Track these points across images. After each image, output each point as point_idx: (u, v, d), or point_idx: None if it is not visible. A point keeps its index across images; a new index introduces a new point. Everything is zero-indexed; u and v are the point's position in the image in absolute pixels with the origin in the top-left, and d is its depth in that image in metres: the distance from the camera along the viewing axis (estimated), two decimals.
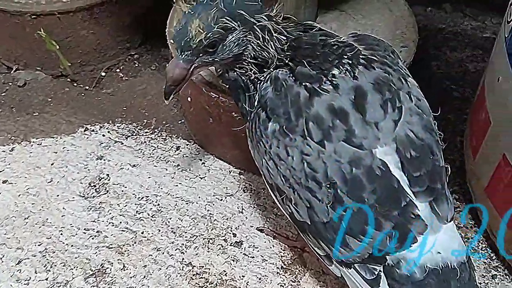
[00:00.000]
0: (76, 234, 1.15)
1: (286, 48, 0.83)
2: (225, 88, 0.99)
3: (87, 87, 1.48)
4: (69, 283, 1.08)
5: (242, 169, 1.27)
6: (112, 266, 1.11)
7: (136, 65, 1.55)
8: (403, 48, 1.18)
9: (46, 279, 1.08)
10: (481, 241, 1.15)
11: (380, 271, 0.80)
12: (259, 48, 0.82)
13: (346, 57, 0.82)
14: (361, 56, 0.82)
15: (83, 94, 1.46)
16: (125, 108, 1.42)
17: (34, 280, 1.08)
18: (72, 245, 1.13)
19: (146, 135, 1.36)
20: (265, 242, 1.15)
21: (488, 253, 1.13)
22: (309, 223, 0.83)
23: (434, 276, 0.78)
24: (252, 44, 0.81)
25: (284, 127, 0.79)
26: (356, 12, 1.26)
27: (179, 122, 1.38)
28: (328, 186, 0.77)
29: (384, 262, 0.79)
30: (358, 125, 0.77)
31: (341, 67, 0.80)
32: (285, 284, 1.08)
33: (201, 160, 1.31)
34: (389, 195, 0.76)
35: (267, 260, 1.12)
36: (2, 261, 1.10)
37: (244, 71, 0.86)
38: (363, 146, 0.76)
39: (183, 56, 0.80)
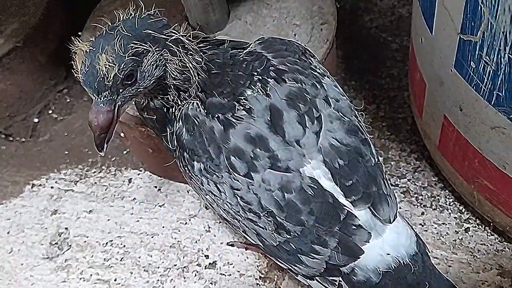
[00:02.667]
0: None
1: (199, 72, 0.77)
2: (149, 124, 0.94)
3: (23, 139, 1.42)
4: None
5: None
6: None
7: (68, 100, 1.48)
8: (323, 26, 1.12)
9: None
10: (447, 196, 1.14)
11: (340, 280, 0.79)
12: (180, 64, 0.74)
13: (256, 73, 0.77)
14: (271, 68, 0.77)
15: (21, 148, 1.40)
16: (66, 152, 1.37)
17: None
18: None
19: (94, 175, 1.31)
20: (238, 256, 1.13)
21: (457, 207, 1.13)
22: (263, 247, 0.82)
23: (388, 277, 0.77)
24: (170, 62, 0.73)
25: (207, 165, 0.75)
26: None
27: (124, 152, 1.34)
28: (267, 215, 0.74)
29: (340, 273, 0.77)
30: (280, 148, 0.73)
31: (253, 87, 0.76)
32: None
33: (156, 187, 1.27)
34: (326, 212, 0.74)
35: (244, 274, 1.11)
36: None
37: (168, 98, 0.80)
38: (290, 168, 0.73)
39: (102, 98, 0.70)
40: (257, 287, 1.08)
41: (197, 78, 0.76)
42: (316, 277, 0.81)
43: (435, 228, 1.10)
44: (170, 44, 0.72)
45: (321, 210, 0.73)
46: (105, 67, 0.67)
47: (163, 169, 1.24)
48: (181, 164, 0.82)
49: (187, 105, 0.78)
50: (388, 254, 0.77)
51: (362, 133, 0.79)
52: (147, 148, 1.13)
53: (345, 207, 0.74)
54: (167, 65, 0.73)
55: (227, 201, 0.77)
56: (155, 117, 0.83)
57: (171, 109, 0.80)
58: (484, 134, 0.86)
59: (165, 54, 0.72)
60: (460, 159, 0.99)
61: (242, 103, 0.75)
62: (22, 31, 1.33)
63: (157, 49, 0.71)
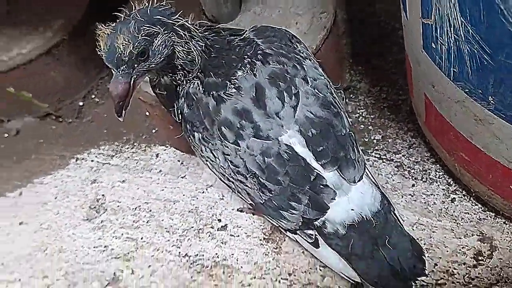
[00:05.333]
0: (88, 253, 1.33)
1: (201, 54, 0.90)
2: (160, 100, 1.09)
3: (70, 120, 1.63)
4: None
5: None
6: (122, 273, 1.28)
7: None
8: (323, 14, 1.24)
9: None
10: (438, 170, 1.23)
11: (316, 234, 0.92)
12: (186, 46, 0.86)
13: (246, 56, 0.91)
14: (259, 52, 0.91)
15: (68, 128, 1.62)
16: (105, 131, 1.57)
17: None
18: (87, 263, 1.31)
19: (128, 150, 1.50)
20: (246, 220, 1.28)
21: (446, 179, 1.22)
22: (253, 204, 0.96)
23: (353, 229, 0.90)
24: (177, 44, 0.86)
25: (204, 135, 0.90)
26: None
27: (153, 131, 1.52)
28: (252, 176, 0.89)
29: (314, 226, 0.90)
30: (262, 119, 0.87)
31: (243, 68, 0.89)
32: (269, 252, 1.22)
33: (179, 161, 1.44)
34: (299, 173, 0.87)
35: (250, 235, 1.25)
36: None
37: (175, 77, 0.93)
38: (270, 137, 0.87)
39: (120, 72, 0.83)
40: (261, 246, 1.23)
41: (198, 60, 0.89)
42: (298, 231, 0.95)
43: (424, 198, 1.20)
44: (177, 28, 0.85)
45: (294, 172, 0.87)
46: (122, 45, 0.80)
47: (185, 145, 1.41)
48: (186, 135, 0.97)
49: (189, 84, 0.93)
50: (352, 210, 0.89)
51: (335, 107, 0.91)
52: (168, 125, 1.30)
53: (315, 170, 0.88)
54: (174, 46, 0.86)
55: (221, 165, 0.92)
56: (165, 93, 0.99)
57: (178, 87, 0.96)
58: (451, 108, 0.96)
59: (173, 37, 0.85)
60: (441, 133, 1.09)
61: (233, 82, 0.89)
62: (68, 26, 1.54)
63: (165, 31, 0.84)
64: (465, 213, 1.16)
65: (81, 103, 1.66)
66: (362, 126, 1.35)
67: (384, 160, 1.28)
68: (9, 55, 1.52)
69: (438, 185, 1.21)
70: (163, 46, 0.85)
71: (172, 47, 0.86)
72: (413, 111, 1.30)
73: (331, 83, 0.95)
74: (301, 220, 0.90)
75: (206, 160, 0.96)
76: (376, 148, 1.31)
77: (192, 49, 0.88)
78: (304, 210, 0.89)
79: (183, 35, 0.86)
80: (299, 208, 0.89)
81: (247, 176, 0.89)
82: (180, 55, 0.88)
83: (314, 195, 0.88)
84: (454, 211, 1.16)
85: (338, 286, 1.13)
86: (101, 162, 1.50)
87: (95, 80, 1.70)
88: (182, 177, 1.40)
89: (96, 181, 1.46)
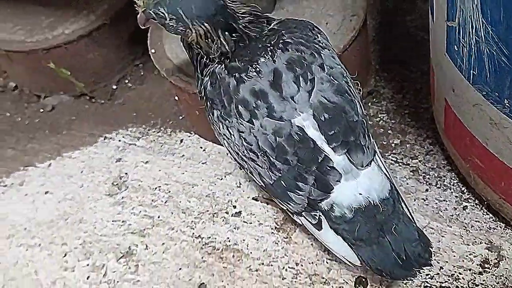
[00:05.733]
0: (106, 226, 1.39)
1: (228, 47, 0.96)
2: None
3: (103, 101, 1.71)
4: (106, 266, 1.31)
5: None
6: (137, 247, 1.33)
7: (141, 73, 1.76)
8: (353, 17, 1.29)
9: (87, 265, 1.33)
10: (452, 178, 1.25)
11: (320, 215, 0.96)
12: (194, 42, 0.94)
13: (269, 45, 0.96)
14: (280, 41, 0.96)
15: (100, 108, 1.70)
16: (134, 114, 1.64)
17: (78, 267, 1.33)
18: (104, 235, 1.37)
19: (154, 134, 1.57)
20: (260, 209, 1.32)
21: (460, 187, 1.23)
22: (264, 185, 1.00)
23: (360, 214, 0.93)
24: (188, 37, 0.94)
25: (222, 112, 0.96)
26: None
27: (180, 117, 1.58)
28: (262, 154, 0.93)
29: (319, 207, 0.94)
30: (277, 101, 0.92)
31: (265, 55, 0.95)
32: (279, 241, 1.25)
33: (201, 147, 1.50)
34: (307, 154, 0.91)
35: (262, 223, 1.29)
36: (52, 256, 1.36)
37: (209, 57, 0.98)
38: (283, 118, 0.92)
39: (144, 11, 0.94)
40: (272, 235, 1.27)
41: (219, 49, 0.95)
42: (303, 213, 0.98)
43: (436, 203, 1.22)
44: (193, 28, 0.91)
45: (303, 152, 0.91)
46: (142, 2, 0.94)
47: (209, 133, 1.46)
48: (207, 114, 1.03)
49: (215, 65, 0.99)
50: (360, 194, 0.93)
51: (349, 95, 0.95)
52: (195, 111, 1.36)
53: (323, 152, 0.92)
54: (187, 35, 0.93)
55: (235, 143, 0.97)
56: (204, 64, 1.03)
57: (206, 68, 1.02)
58: (469, 112, 0.99)
59: (187, 31, 0.92)
60: (458, 139, 1.11)
61: (254, 67, 0.94)
62: (110, 12, 1.63)
63: (180, 24, 0.91)
64: (475, 221, 1.17)
65: (114, 87, 1.74)
66: (381, 129, 1.38)
67: (400, 164, 1.31)
68: (53, 33, 1.61)
69: (452, 192, 1.23)
70: (172, 30, 0.93)
71: (184, 35, 0.94)
72: (434, 120, 1.32)
73: (347, 73, 0.99)
74: (306, 202, 0.94)
75: (223, 138, 1.01)
76: (394, 152, 1.33)
77: (206, 44, 0.94)
78: (310, 190, 0.92)
79: (200, 35, 0.93)
80: (305, 188, 0.93)
81: (259, 154, 0.94)
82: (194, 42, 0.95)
83: (320, 175, 0.92)
84: (464, 218, 1.18)
85: (343, 279, 1.16)
86: (128, 143, 1.57)
87: (130, 66, 1.77)
88: (202, 163, 1.46)
89: (121, 160, 1.53)
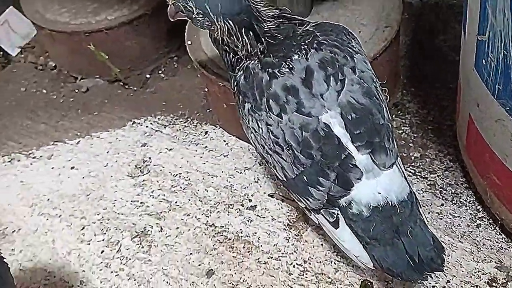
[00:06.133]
0: (125, 205, 1.43)
1: (259, 43, 1.01)
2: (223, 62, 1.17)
3: (135, 88, 1.77)
4: (120, 243, 1.36)
5: None
6: (152, 228, 1.37)
7: (175, 66, 1.82)
8: (386, 28, 1.31)
9: (103, 240, 1.37)
10: (469, 196, 1.26)
11: (338, 213, 0.98)
12: (221, 38, 1.00)
13: (304, 44, 1.00)
14: (315, 41, 1.00)
15: (132, 95, 1.76)
16: (164, 103, 1.69)
17: (93, 241, 1.37)
18: (122, 214, 1.42)
19: (180, 123, 1.62)
20: (275, 205, 1.35)
21: (475, 206, 1.24)
22: (285, 180, 1.03)
23: (377, 212, 0.94)
24: (214, 32, 1.00)
25: (253, 106, 0.99)
26: (348, 0, 1.41)
27: (208, 111, 1.62)
28: (288, 148, 0.96)
29: (338, 204, 0.96)
30: (307, 97, 0.95)
31: (299, 53, 0.99)
32: (290, 237, 1.27)
33: (225, 141, 1.54)
34: (331, 150, 0.94)
35: (275, 219, 1.32)
36: (71, 228, 1.41)
37: (244, 53, 1.03)
38: (311, 114, 0.95)
39: (173, 4, 1.02)
40: (284, 231, 1.29)
41: (242, 52, 1.00)
42: (321, 210, 1.00)
43: (450, 218, 1.22)
44: (218, 25, 0.97)
45: (327, 148, 0.94)
46: None
47: (233, 127, 1.50)
48: (237, 107, 1.07)
49: (250, 61, 1.03)
50: (379, 193, 0.95)
51: (377, 98, 0.98)
52: (222, 103, 1.40)
53: (347, 150, 0.94)
54: (213, 31, 1.00)
55: (263, 136, 1.00)
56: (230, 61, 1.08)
57: (239, 64, 1.06)
58: (491, 128, 1.00)
59: (214, 26, 0.98)
60: (478, 155, 1.12)
61: (287, 63, 0.98)
62: (152, 3, 1.69)
63: (207, 19, 0.97)
64: (487, 239, 1.17)
65: (148, 75, 1.80)
66: (403, 142, 1.40)
67: (418, 177, 1.32)
68: (96, 18, 1.68)
69: (467, 209, 1.23)
70: (199, 24, 1.00)
71: (211, 29, 1.00)
72: (456, 137, 1.34)
73: (377, 79, 1.01)
74: (326, 198, 0.96)
75: (251, 132, 1.04)
76: (413, 164, 1.35)
77: (233, 41, 1.00)
78: (330, 186, 0.95)
79: (224, 31, 0.98)
80: (326, 184, 0.95)
81: (284, 147, 0.97)
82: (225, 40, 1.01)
83: (342, 172, 0.94)
84: (477, 236, 1.18)
85: (349, 281, 1.17)
86: (154, 129, 1.62)
87: (165, 57, 1.83)
88: (224, 156, 1.49)
89: (146, 145, 1.58)
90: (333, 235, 1.02)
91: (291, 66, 0.98)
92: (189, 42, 1.44)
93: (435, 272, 0.98)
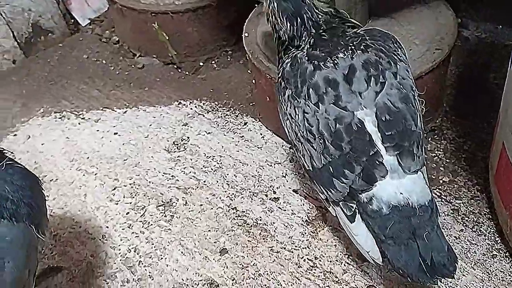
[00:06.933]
0: (157, 175, 1.51)
1: (308, 37, 1.10)
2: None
3: (187, 73, 1.87)
4: (145, 208, 1.43)
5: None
6: (177, 201, 1.43)
7: (228, 59, 1.90)
8: (437, 51, 1.34)
9: (130, 202, 1.45)
10: (490, 226, 1.25)
11: (356, 208, 1.01)
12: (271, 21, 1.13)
13: (351, 44, 1.05)
14: (362, 44, 1.05)
15: (183, 78, 1.85)
16: (211, 90, 1.77)
17: (122, 202, 1.45)
18: (152, 183, 1.49)
19: (223, 111, 1.69)
20: (297, 200, 1.39)
21: (495, 237, 1.23)
22: (312, 169, 1.07)
23: (396, 211, 0.97)
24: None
25: (293, 92, 1.05)
26: (404, 20, 1.46)
27: (251, 104, 1.69)
28: (320, 137, 1.01)
29: (358, 199, 0.99)
30: (345, 93, 1.00)
31: (345, 52, 1.04)
32: (305, 233, 1.31)
33: (261, 134, 1.59)
34: (361, 145, 0.98)
35: (295, 214, 1.36)
36: (103, 187, 1.50)
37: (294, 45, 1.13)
38: (347, 108, 0.99)
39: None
40: (301, 226, 1.32)
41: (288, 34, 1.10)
42: (340, 203, 1.04)
43: (467, 244, 1.23)
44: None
45: (357, 142, 0.98)
46: None
47: (271, 122, 1.56)
48: (277, 94, 1.12)
49: (298, 51, 1.09)
50: (401, 193, 0.97)
51: (413, 105, 1.01)
52: (266, 96, 1.46)
53: (376, 147, 0.98)
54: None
55: (298, 122, 1.06)
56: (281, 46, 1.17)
57: (289, 52, 1.13)
58: None
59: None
60: (505, 183, 1.13)
61: (333, 59, 1.04)
62: None
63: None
64: (500, 271, 1.17)
65: (201, 63, 1.89)
66: (434, 165, 1.41)
67: (443, 200, 1.33)
68: (164, 1, 1.79)
69: (485, 239, 1.23)
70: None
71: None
72: (487, 169, 1.34)
73: (416, 88, 1.05)
74: (348, 191, 1.00)
75: (287, 118, 1.09)
76: (440, 188, 1.36)
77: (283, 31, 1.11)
78: (354, 179, 0.98)
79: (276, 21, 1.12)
80: (350, 177, 0.98)
81: (316, 136, 1.01)
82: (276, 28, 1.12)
83: (368, 167, 0.97)
84: (490, 266, 1.18)
85: (355, 284, 1.19)
86: (197, 112, 1.70)
87: (220, 50, 1.92)
88: (258, 147, 1.55)
89: (187, 125, 1.65)
90: (347, 228, 1.05)
91: (336, 61, 1.03)
92: (246, 34, 1.51)
93: (445, 278, 0.98)
